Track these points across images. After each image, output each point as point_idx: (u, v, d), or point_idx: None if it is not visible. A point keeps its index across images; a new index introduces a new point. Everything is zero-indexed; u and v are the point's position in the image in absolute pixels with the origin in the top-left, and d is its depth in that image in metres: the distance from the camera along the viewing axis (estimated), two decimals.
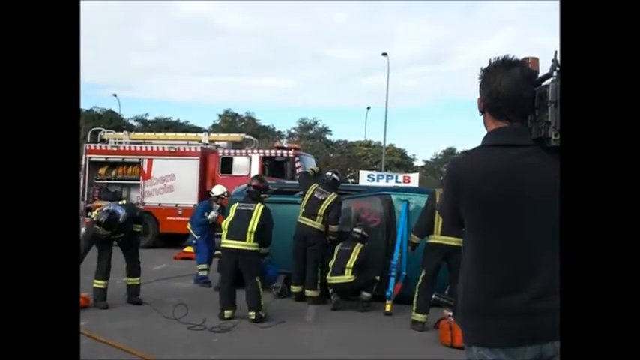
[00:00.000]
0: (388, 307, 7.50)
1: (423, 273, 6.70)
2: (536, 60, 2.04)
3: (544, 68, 2.01)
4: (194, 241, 9.91)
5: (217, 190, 10.32)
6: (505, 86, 2.01)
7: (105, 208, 7.51)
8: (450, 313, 5.88)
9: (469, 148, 2.19)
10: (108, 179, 15.76)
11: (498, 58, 2.07)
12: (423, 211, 7.09)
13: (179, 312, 6.91)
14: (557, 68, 1.92)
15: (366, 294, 7.78)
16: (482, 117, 2.15)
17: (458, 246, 6.46)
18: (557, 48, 1.85)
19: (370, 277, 7.78)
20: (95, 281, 7.42)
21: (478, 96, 2.12)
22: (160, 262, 10.57)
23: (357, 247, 7.78)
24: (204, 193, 14.06)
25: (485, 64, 2.08)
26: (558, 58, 1.90)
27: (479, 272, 2.03)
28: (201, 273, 9.47)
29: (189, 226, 10.01)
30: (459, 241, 6.45)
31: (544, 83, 1.99)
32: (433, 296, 6.54)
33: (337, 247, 7.89)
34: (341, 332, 6.66)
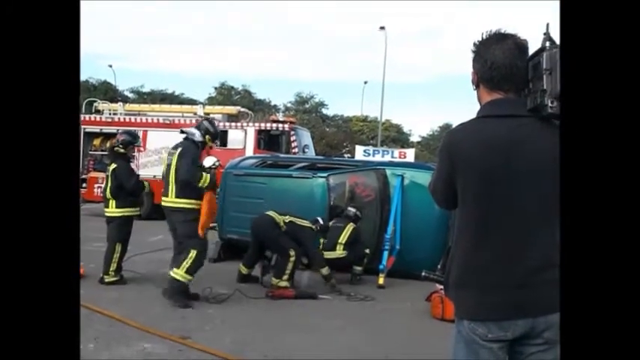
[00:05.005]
0: (381, 281, 7.58)
1: None
2: (525, 42, 2.06)
3: (533, 48, 2.02)
4: None
5: (208, 161, 10.31)
6: (499, 56, 2.02)
7: None
8: (441, 287, 5.94)
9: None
10: (102, 150, 15.67)
11: (491, 31, 2.08)
12: None
13: None
14: (549, 41, 1.92)
15: (357, 267, 7.85)
16: (476, 92, 2.15)
17: None
18: (552, 22, 1.85)
19: (361, 251, 7.84)
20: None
21: (471, 70, 2.12)
22: (156, 234, 10.56)
23: (350, 226, 7.82)
24: None
25: (478, 38, 2.09)
26: (550, 30, 1.90)
27: (473, 245, 2.03)
28: None
29: None
30: None
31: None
32: (423, 274, 6.60)
33: (331, 224, 7.92)
34: (333, 304, 6.74)
